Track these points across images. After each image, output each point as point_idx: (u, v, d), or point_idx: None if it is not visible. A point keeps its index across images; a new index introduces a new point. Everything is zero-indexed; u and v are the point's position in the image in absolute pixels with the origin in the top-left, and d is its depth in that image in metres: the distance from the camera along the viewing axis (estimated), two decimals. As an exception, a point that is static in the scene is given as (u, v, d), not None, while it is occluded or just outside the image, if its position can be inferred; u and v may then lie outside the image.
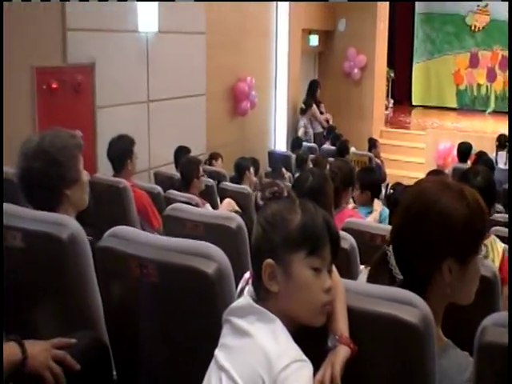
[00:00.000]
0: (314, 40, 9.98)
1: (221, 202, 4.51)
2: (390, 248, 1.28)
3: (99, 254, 1.59)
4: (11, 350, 1.34)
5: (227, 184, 4.83)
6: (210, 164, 6.15)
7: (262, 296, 1.17)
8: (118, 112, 5.87)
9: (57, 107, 5.37)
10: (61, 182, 1.93)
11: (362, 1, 9.41)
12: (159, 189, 4.12)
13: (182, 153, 5.67)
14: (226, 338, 1.17)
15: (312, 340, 1.16)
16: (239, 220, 2.29)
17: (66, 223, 1.63)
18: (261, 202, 1.25)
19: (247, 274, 1.99)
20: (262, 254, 1.16)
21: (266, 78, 8.65)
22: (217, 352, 1.17)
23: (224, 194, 4.57)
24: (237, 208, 4.11)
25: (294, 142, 8.41)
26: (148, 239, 1.51)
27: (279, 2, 8.67)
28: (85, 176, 2.02)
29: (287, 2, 8.74)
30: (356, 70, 10.03)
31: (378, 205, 3.81)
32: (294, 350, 1.10)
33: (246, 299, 1.19)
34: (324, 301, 1.16)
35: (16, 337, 1.38)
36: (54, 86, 5.39)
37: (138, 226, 3.33)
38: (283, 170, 6.52)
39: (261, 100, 8.18)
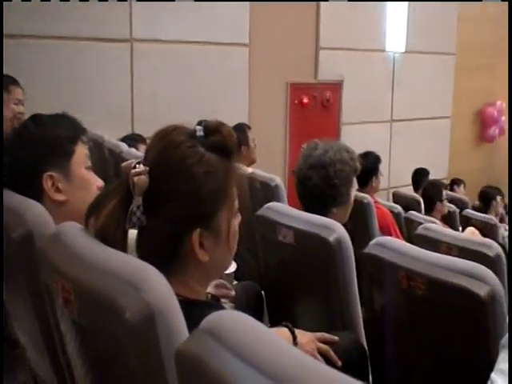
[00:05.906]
0: None
1: (462, 230, 4.29)
2: None
3: (364, 261, 1.66)
4: (284, 335, 1.48)
5: (471, 212, 4.59)
6: (452, 190, 5.91)
7: None
8: (361, 129, 6.00)
9: (306, 120, 5.73)
10: (331, 200, 2.07)
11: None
12: (400, 209, 4.09)
13: (420, 175, 5.57)
14: (505, 364, 1.12)
15: None
16: (498, 249, 2.17)
17: (334, 227, 1.74)
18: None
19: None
20: None
21: (519, 103, 8.01)
22: (494, 376, 1.13)
23: (466, 222, 4.35)
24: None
25: None
26: (417, 253, 1.53)
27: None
28: (352, 198, 2.11)
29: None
30: None
31: None
32: None
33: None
34: None
35: (288, 324, 1.51)
36: (305, 100, 5.78)
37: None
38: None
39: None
